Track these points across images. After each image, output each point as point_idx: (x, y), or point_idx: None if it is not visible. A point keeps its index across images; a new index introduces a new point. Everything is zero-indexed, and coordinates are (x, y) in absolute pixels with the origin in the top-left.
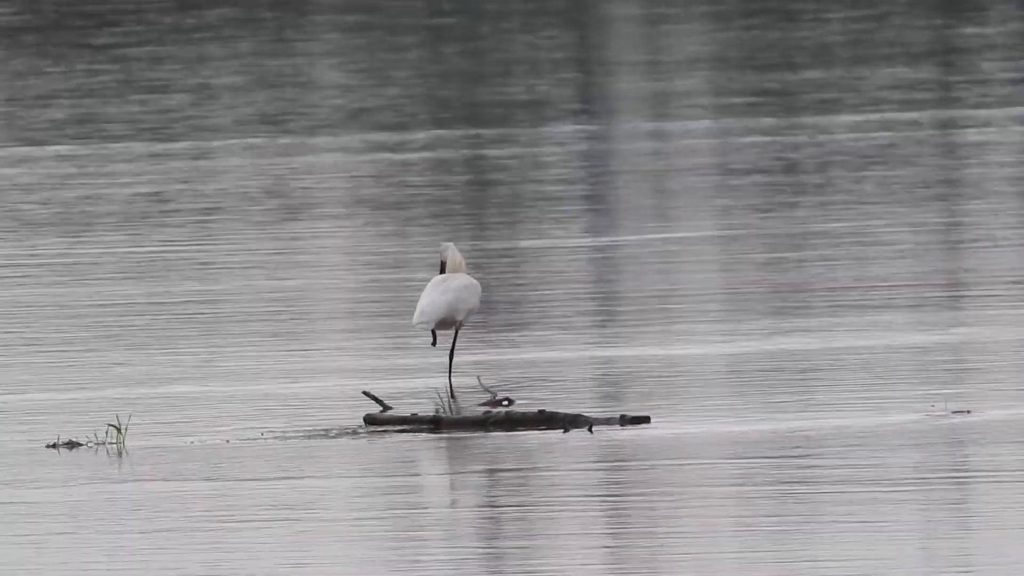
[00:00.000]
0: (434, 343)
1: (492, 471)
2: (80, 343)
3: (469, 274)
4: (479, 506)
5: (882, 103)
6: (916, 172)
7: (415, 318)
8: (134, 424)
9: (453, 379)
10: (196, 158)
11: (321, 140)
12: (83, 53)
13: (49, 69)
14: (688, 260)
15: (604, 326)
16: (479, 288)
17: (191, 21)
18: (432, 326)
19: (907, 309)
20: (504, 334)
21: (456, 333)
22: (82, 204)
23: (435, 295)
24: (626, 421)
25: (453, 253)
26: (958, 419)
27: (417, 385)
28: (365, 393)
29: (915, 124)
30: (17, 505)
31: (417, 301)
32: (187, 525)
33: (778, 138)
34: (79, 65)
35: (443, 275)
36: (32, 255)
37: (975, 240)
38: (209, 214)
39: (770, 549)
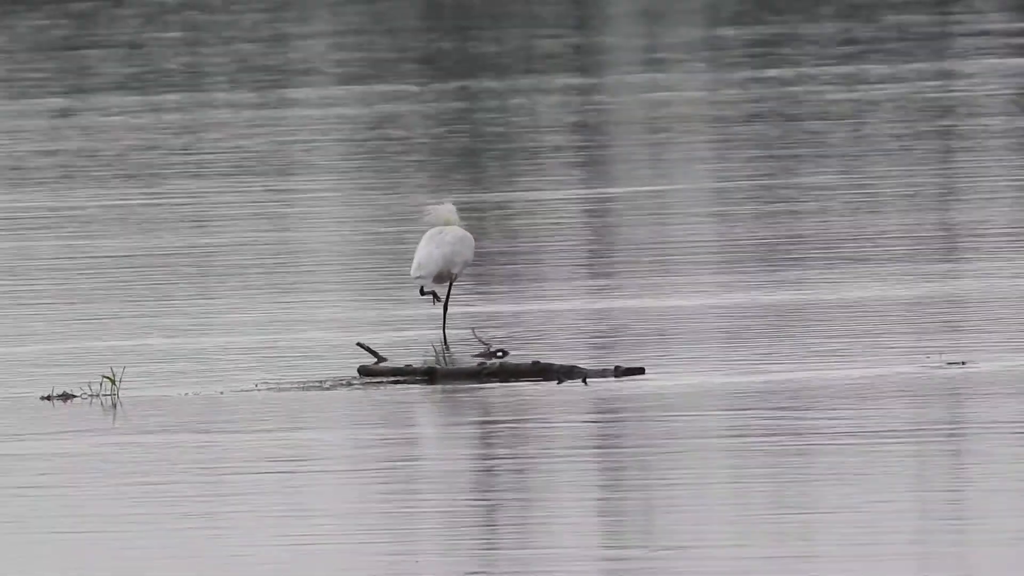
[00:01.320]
0: (435, 301)
1: (486, 423)
2: (74, 295)
3: (463, 226)
4: (473, 458)
5: (878, 55)
6: (911, 124)
7: (412, 271)
8: (129, 376)
9: (447, 331)
10: (189, 111)
11: (314, 92)
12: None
13: (40, 21)
14: (683, 212)
15: (598, 278)
16: (472, 240)
17: None
18: (430, 280)
19: (902, 261)
20: (499, 286)
21: (450, 285)
22: (76, 157)
23: (431, 248)
24: (620, 372)
25: (442, 210)
26: (953, 371)
27: (411, 336)
28: (359, 344)
29: (911, 76)
30: (11, 457)
31: (412, 254)
32: (181, 477)
33: (773, 90)
34: (69, 16)
35: (437, 228)
36: (25, 207)
37: (971, 192)
38: (203, 167)
39: (764, 501)
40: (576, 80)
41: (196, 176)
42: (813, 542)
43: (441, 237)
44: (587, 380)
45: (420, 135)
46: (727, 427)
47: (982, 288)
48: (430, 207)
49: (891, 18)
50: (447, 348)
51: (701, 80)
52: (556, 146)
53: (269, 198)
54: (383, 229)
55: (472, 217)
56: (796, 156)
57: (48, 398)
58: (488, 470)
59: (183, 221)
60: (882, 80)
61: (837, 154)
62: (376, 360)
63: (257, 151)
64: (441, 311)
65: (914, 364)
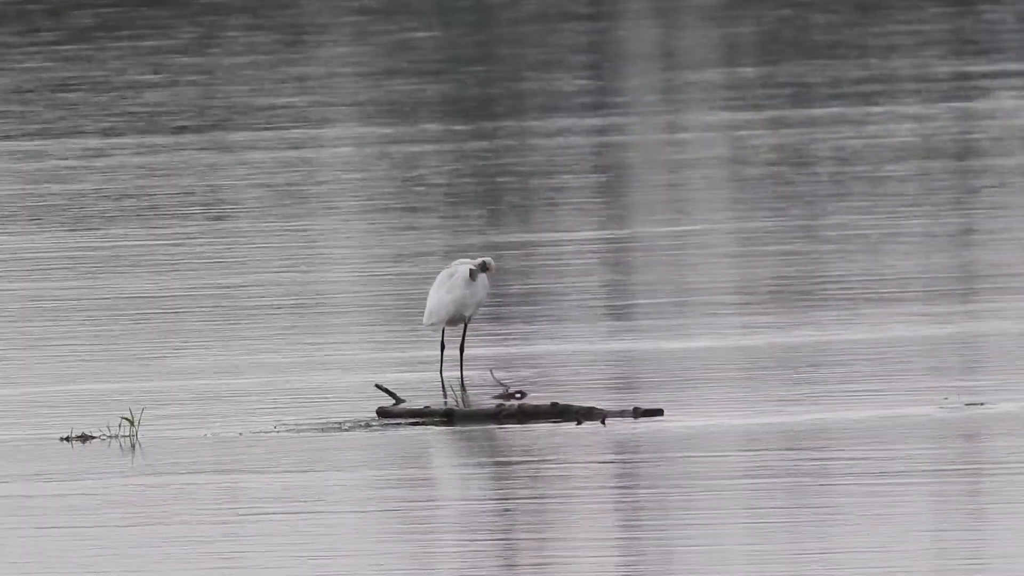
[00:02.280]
0: (442, 348)
1: (505, 464)
2: (94, 336)
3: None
4: (492, 499)
5: (896, 96)
6: (930, 165)
7: (425, 319)
8: (147, 417)
9: (465, 372)
10: (210, 151)
11: (334, 132)
12: (92, 41)
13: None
14: (702, 253)
15: (617, 319)
16: (486, 281)
17: (198, 8)
18: (443, 326)
19: (920, 302)
20: (517, 327)
21: (465, 327)
22: (96, 197)
23: (441, 294)
24: (639, 414)
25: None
26: (971, 411)
27: (430, 378)
28: (378, 386)
29: (930, 118)
30: (31, 498)
31: (426, 297)
32: (200, 518)
33: (792, 131)
34: (84, 54)
35: (450, 270)
36: (46, 248)
37: (989, 233)
38: (224, 207)
39: (783, 541)
40: (595, 121)
41: (216, 217)
42: None
43: (452, 282)
44: (606, 421)
45: (440, 176)
46: (745, 468)
47: (1000, 329)
48: (465, 265)
49: (906, 60)
50: (465, 390)
51: (720, 120)
52: (575, 187)
53: (289, 240)
54: (402, 270)
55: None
56: (815, 197)
57: (67, 439)
58: (506, 511)
59: (202, 262)
60: (900, 120)
61: (856, 194)
62: (394, 401)
63: (277, 192)
64: (458, 352)
65: (932, 404)
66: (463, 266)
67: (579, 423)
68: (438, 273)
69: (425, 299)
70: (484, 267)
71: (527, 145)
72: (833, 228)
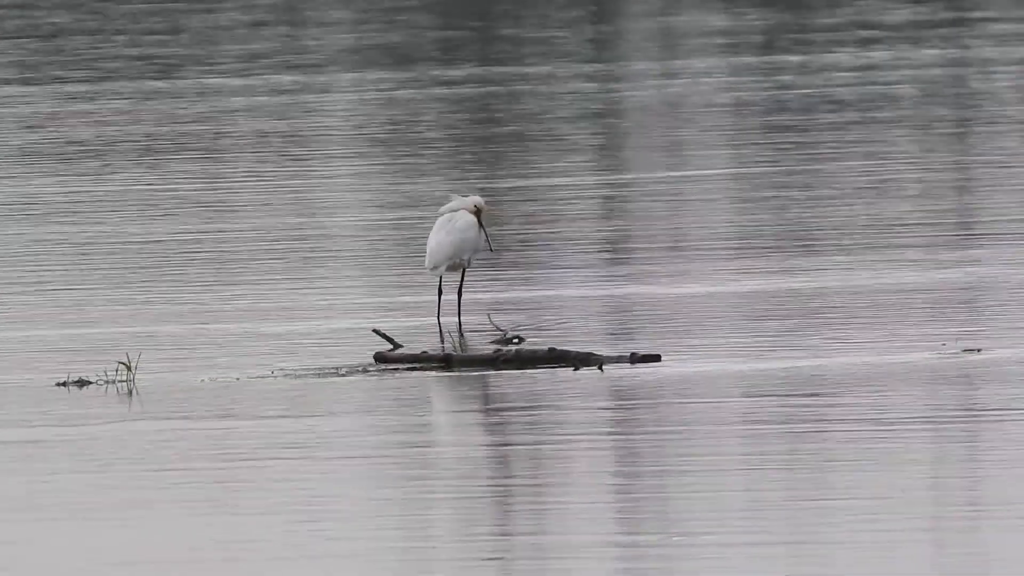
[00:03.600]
0: (440, 293)
1: (502, 409)
2: (90, 281)
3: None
4: (489, 444)
5: (896, 42)
6: (929, 112)
7: (427, 262)
8: (144, 362)
9: (463, 317)
10: (204, 97)
11: (330, 78)
12: None
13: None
14: (700, 199)
15: (615, 265)
16: (480, 226)
17: None
18: (443, 268)
19: (918, 248)
20: (515, 272)
21: (464, 272)
22: (92, 142)
23: (440, 236)
24: (637, 359)
25: (468, 202)
26: (969, 357)
27: (427, 323)
28: (375, 331)
29: (929, 64)
30: (27, 443)
31: (426, 240)
32: (196, 463)
33: (790, 77)
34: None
35: (448, 215)
36: (42, 192)
37: (987, 180)
38: (219, 153)
39: (780, 488)
40: (593, 67)
41: (212, 162)
42: (829, 528)
43: (451, 225)
44: (603, 367)
45: (436, 121)
46: (743, 414)
47: (998, 275)
48: (449, 208)
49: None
50: (462, 335)
51: (718, 66)
52: (573, 133)
53: (285, 184)
54: (399, 216)
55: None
56: (813, 143)
57: (63, 384)
58: (504, 456)
59: (199, 207)
60: (899, 67)
61: (853, 140)
62: (392, 347)
63: (273, 137)
64: (456, 297)
65: (930, 351)
66: (461, 212)
67: (577, 368)
68: (436, 218)
69: (423, 244)
70: (478, 210)
71: (524, 91)
72: (831, 174)
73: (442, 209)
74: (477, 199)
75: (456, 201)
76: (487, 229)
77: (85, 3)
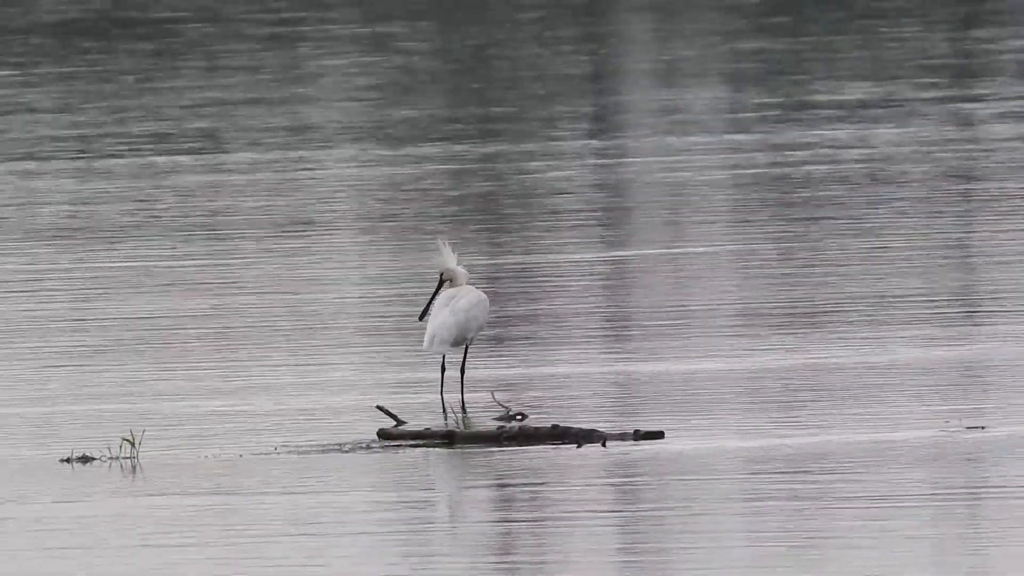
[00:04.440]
0: (443, 370)
1: (505, 486)
2: (93, 357)
3: (471, 282)
4: (492, 521)
5: (894, 118)
6: (932, 187)
7: (426, 343)
8: (148, 438)
9: (466, 394)
10: (209, 172)
11: (334, 153)
12: (94, 62)
13: (55, 79)
14: (702, 275)
15: (618, 341)
16: (487, 303)
17: (206, 32)
18: (446, 349)
19: (921, 325)
20: (518, 349)
21: (467, 349)
22: (96, 217)
23: (444, 316)
24: (640, 436)
25: (446, 255)
26: (972, 435)
27: (430, 400)
28: (379, 407)
29: (928, 140)
30: (31, 520)
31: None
32: (200, 540)
33: (792, 153)
34: (87, 77)
35: (451, 291)
36: (47, 268)
37: (989, 256)
38: (223, 229)
39: (782, 565)
40: (595, 143)
41: (215, 238)
42: None
43: (455, 304)
44: (606, 443)
45: (439, 197)
46: (745, 491)
47: (1001, 352)
48: (442, 245)
49: (904, 82)
50: (466, 411)
51: (719, 142)
52: (575, 209)
53: (288, 260)
54: (402, 291)
55: (490, 279)
56: (814, 219)
57: (67, 460)
58: (507, 533)
59: (201, 283)
60: (899, 143)
61: (856, 217)
62: (395, 423)
63: (276, 212)
64: (459, 374)
65: (933, 428)
66: (465, 288)
67: (580, 445)
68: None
69: (425, 321)
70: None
71: (527, 167)
72: (833, 250)
73: (432, 264)
74: (457, 269)
75: (445, 258)
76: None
77: (74, 84)
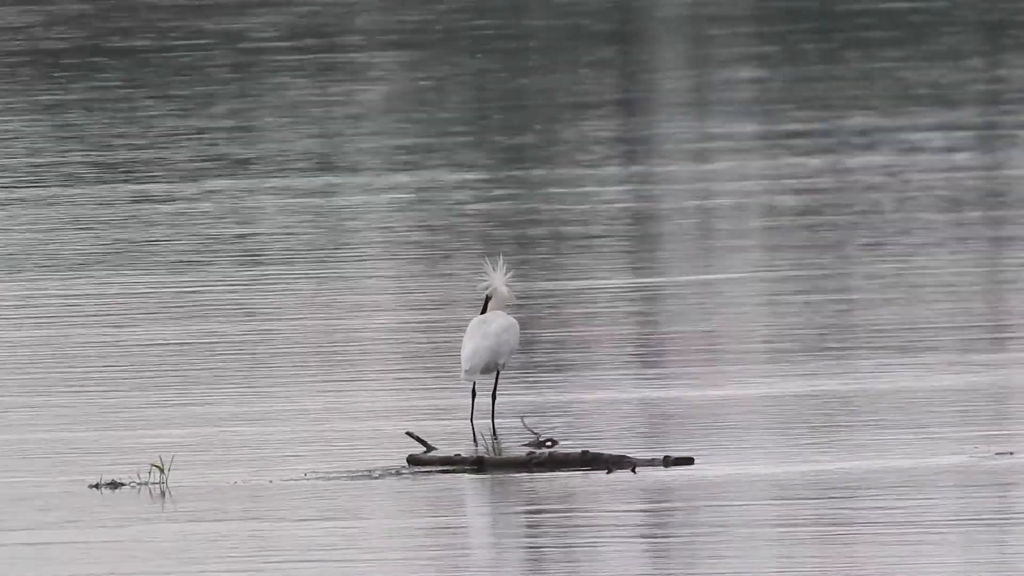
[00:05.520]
0: (473, 395)
1: (535, 512)
2: (124, 383)
3: (511, 306)
4: (522, 547)
5: (926, 145)
6: (962, 213)
7: (463, 368)
8: (177, 464)
9: (496, 420)
10: (239, 197)
11: (365, 179)
12: (117, 87)
13: (74, 102)
14: (732, 301)
15: (648, 367)
16: (518, 328)
17: (230, 55)
18: (478, 374)
19: (950, 351)
20: (548, 375)
21: (498, 374)
22: (126, 243)
23: (477, 341)
24: (670, 462)
25: (496, 275)
26: (1001, 461)
27: (460, 426)
28: (408, 434)
29: (959, 166)
30: (61, 546)
31: (460, 343)
32: (229, 566)
33: (823, 179)
34: (116, 101)
35: (482, 316)
36: (75, 294)
37: (1019, 282)
38: (253, 254)
39: None
40: (626, 169)
41: (245, 263)
42: None
43: (486, 328)
44: (636, 469)
45: (470, 223)
46: (776, 517)
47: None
48: (489, 278)
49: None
50: (496, 437)
51: (749, 169)
52: (605, 235)
53: (317, 286)
54: (432, 318)
55: (521, 305)
56: (844, 245)
57: (96, 486)
58: (537, 559)
59: (230, 308)
60: (932, 169)
61: (886, 243)
62: (425, 449)
63: (306, 238)
64: (489, 400)
65: (962, 454)
66: (493, 313)
67: (610, 471)
68: (468, 320)
69: (456, 346)
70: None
71: (556, 193)
72: (862, 277)
73: (479, 287)
74: (500, 288)
75: (490, 281)
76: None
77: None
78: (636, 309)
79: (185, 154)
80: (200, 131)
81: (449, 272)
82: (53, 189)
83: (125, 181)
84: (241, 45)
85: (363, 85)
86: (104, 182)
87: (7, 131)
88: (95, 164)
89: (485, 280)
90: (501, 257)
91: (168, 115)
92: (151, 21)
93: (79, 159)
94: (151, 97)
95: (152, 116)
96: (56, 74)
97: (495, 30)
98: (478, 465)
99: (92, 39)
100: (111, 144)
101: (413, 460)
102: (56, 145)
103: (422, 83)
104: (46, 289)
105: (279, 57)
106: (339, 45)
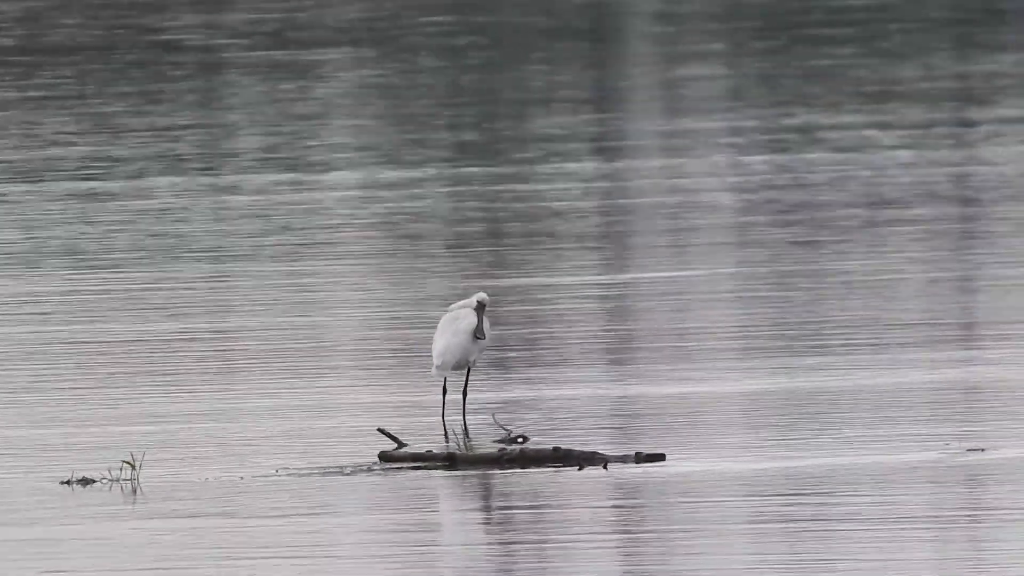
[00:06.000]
0: (444, 392)
1: (507, 508)
2: (95, 380)
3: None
4: (494, 543)
5: (896, 141)
6: (932, 210)
7: (434, 364)
8: (148, 461)
9: (468, 417)
10: (209, 195)
11: (335, 176)
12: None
13: (59, 104)
14: (703, 298)
15: (619, 364)
16: (489, 325)
17: (204, 55)
18: (450, 369)
19: (921, 347)
20: (519, 371)
21: (468, 371)
22: (95, 240)
23: (448, 338)
24: (641, 458)
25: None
26: (972, 457)
27: (432, 422)
28: (380, 430)
29: (931, 163)
30: (32, 542)
31: (431, 340)
32: (201, 562)
33: (792, 176)
34: (87, 98)
35: (453, 314)
36: (46, 291)
37: (988, 279)
38: (223, 251)
39: None
40: (595, 165)
41: (217, 260)
42: None
43: (457, 325)
44: (608, 466)
45: (440, 220)
46: (747, 513)
47: (1002, 375)
48: (458, 306)
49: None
50: (467, 434)
51: (720, 165)
52: (576, 231)
53: (289, 282)
54: (403, 314)
55: (492, 302)
56: (815, 242)
57: (68, 483)
58: (508, 555)
59: (203, 305)
60: (901, 166)
61: (856, 240)
62: (396, 446)
63: (277, 235)
64: (461, 397)
65: (934, 450)
66: (465, 310)
67: (581, 468)
68: (439, 317)
69: (427, 343)
70: (481, 305)
71: (528, 189)
72: (833, 273)
73: (451, 307)
74: (482, 295)
75: (465, 309)
76: (483, 320)
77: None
78: (607, 306)
79: (155, 151)
80: (155, 129)
81: (419, 268)
82: (21, 185)
83: (92, 178)
84: (191, 43)
85: (317, 82)
86: (68, 179)
87: None
88: (65, 160)
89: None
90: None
91: (121, 112)
92: (97, 19)
93: (45, 154)
94: (101, 96)
95: (104, 113)
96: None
97: (459, 27)
98: (450, 462)
99: (36, 37)
100: (77, 138)
101: (385, 456)
102: (8, 142)
103: (388, 79)
104: (9, 286)
105: (237, 55)
106: (309, 43)
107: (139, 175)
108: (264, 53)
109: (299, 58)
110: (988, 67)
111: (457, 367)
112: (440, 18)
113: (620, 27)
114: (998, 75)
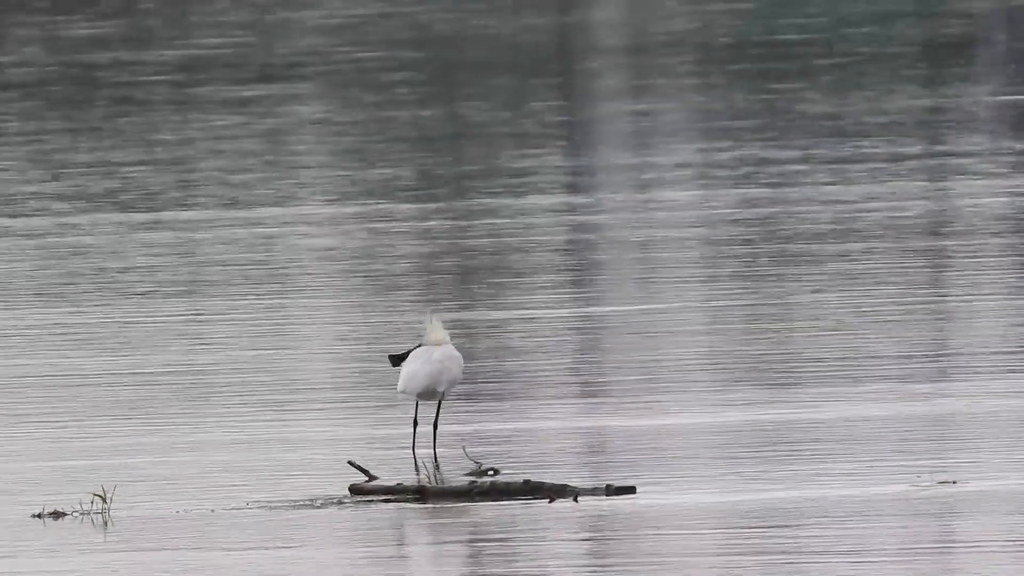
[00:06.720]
0: (415, 424)
1: (477, 541)
2: (64, 413)
3: (452, 345)
4: None
5: (864, 174)
6: (902, 244)
7: (399, 386)
8: (120, 494)
9: (438, 449)
10: (178, 229)
11: (304, 211)
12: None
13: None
14: (674, 331)
15: (590, 396)
16: (461, 359)
17: (175, 91)
18: (415, 395)
19: (892, 380)
20: (490, 404)
21: (439, 403)
22: (65, 275)
23: (417, 365)
24: (612, 491)
25: (434, 328)
26: (944, 489)
27: (402, 455)
28: (350, 463)
29: (902, 194)
30: (2, 575)
31: (400, 372)
32: None
33: (763, 209)
34: (54, 134)
35: (426, 347)
36: (15, 325)
37: (960, 312)
38: (193, 285)
39: None
40: (566, 199)
41: (187, 294)
42: None
43: (428, 355)
44: (578, 498)
45: (409, 254)
46: (718, 546)
47: (972, 407)
48: (433, 320)
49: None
50: (438, 467)
51: (689, 199)
52: (546, 265)
53: (259, 316)
54: (373, 347)
55: (462, 335)
56: (785, 276)
57: (39, 516)
58: None
59: (171, 338)
60: (871, 199)
61: (827, 273)
62: (367, 478)
63: (247, 269)
64: (431, 429)
65: (905, 483)
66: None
67: (552, 500)
68: (410, 351)
69: (397, 375)
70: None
71: (497, 224)
72: (804, 306)
73: (422, 340)
74: (439, 330)
75: (429, 334)
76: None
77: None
78: (578, 338)
79: (122, 185)
80: (136, 161)
81: (389, 303)
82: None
83: (61, 212)
84: (125, 79)
85: (294, 116)
86: (32, 213)
87: None
88: (36, 194)
89: (428, 334)
90: (433, 316)
91: (69, 148)
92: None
93: (19, 189)
94: (51, 131)
95: (51, 149)
96: None
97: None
98: (420, 494)
99: None
100: (47, 174)
101: (355, 489)
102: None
103: (358, 115)
104: None
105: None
106: (279, 77)
107: (94, 210)
108: (216, 88)
109: (265, 92)
110: (949, 100)
111: (424, 395)
112: (409, 53)
113: (579, 60)
114: (955, 109)
